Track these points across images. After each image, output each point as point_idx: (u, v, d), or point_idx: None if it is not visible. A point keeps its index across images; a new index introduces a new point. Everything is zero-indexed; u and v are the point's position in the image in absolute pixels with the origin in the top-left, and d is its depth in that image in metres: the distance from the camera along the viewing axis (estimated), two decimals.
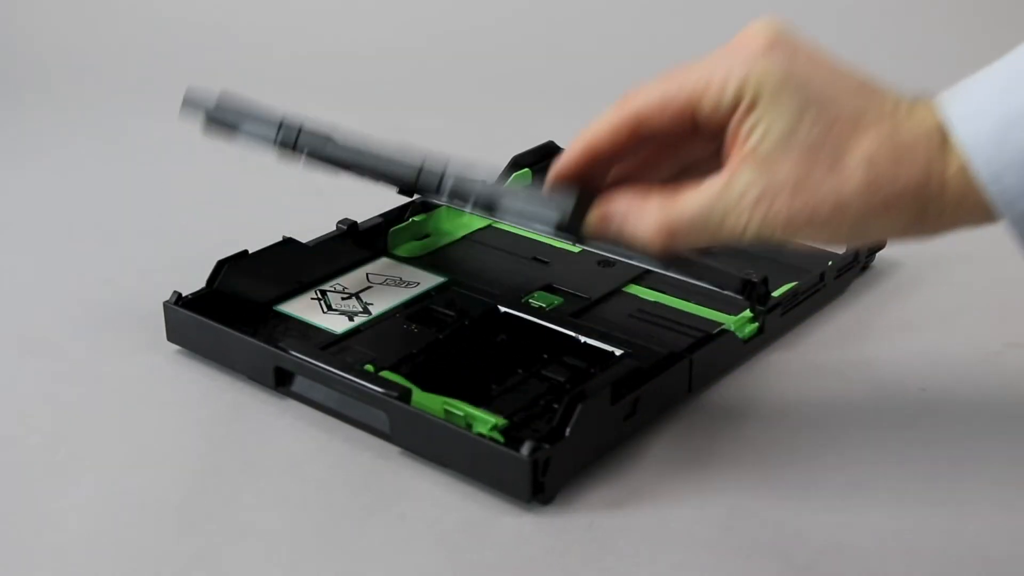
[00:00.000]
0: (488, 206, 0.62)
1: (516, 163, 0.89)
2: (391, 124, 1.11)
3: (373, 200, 0.88)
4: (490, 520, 0.60)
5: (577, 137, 0.59)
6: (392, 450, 0.64)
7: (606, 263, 0.81)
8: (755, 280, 0.70)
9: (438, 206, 0.86)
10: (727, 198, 0.54)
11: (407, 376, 0.67)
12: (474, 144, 0.99)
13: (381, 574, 0.56)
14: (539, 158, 0.90)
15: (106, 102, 1.18)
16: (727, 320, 0.73)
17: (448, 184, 0.63)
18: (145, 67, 1.25)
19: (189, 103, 0.72)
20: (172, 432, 0.67)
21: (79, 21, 1.31)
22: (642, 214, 0.57)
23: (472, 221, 0.88)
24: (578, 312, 0.76)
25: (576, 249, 0.83)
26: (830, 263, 0.77)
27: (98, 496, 0.62)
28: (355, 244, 0.81)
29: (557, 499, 0.61)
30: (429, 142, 1.07)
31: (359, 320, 0.75)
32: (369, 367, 0.68)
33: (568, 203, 0.58)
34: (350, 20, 1.31)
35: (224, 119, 0.71)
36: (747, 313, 0.72)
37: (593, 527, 0.59)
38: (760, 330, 0.72)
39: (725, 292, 0.69)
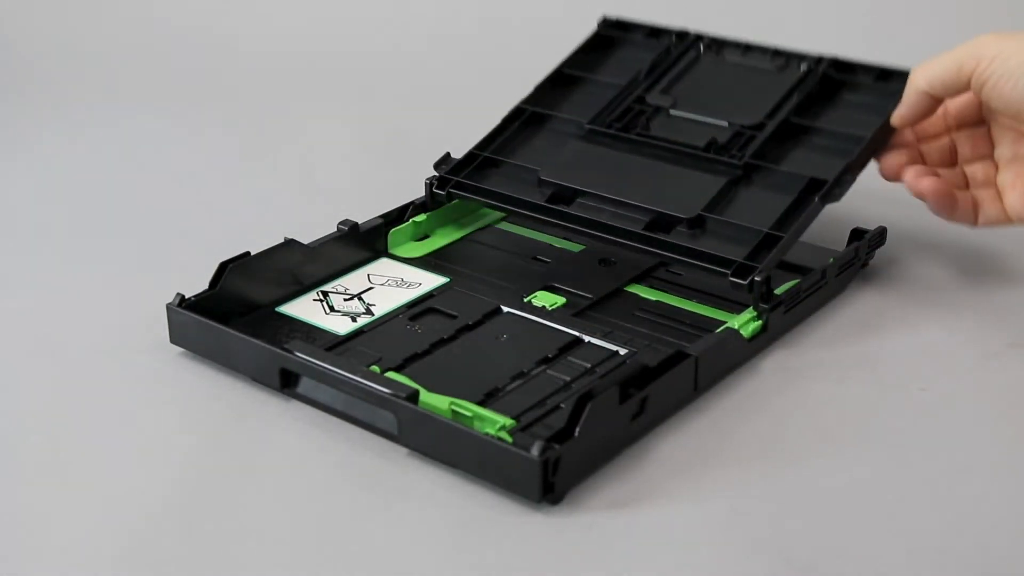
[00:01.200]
0: None
1: None
2: (391, 124, 1.12)
3: (373, 201, 0.88)
4: (496, 520, 0.60)
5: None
6: (396, 451, 0.64)
7: (606, 262, 0.82)
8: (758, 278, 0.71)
9: (438, 206, 0.86)
10: None
11: (412, 377, 0.68)
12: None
13: (386, 574, 0.57)
14: None
15: (108, 102, 1.17)
16: (729, 319, 0.73)
17: None
18: (148, 67, 1.25)
19: None
20: (175, 433, 0.67)
21: (80, 20, 1.31)
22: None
23: (471, 221, 0.88)
24: (580, 312, 0.76)
25: (576, 248, 0.84)
26: (831, 260, 0.77)
27: (98, 496, 0.62)
28: (356, 245, 0.81)
29: (564, 498, 0.61)
30: (428, 141, 1.07)
31: (362, 321, 0.75)
32: (374, 368, 0.68)
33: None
34: (349, 18, 1.31)
35: None
36: (750, 311, 0.73)
37: (596, 527, 0.59)
38: (763, 328, 0.73)
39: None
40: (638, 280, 0.80)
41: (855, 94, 0.85)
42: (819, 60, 0.86)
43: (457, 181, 0.85)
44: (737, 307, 0.75)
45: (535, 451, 0.58)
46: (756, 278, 0.72)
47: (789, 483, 0.62)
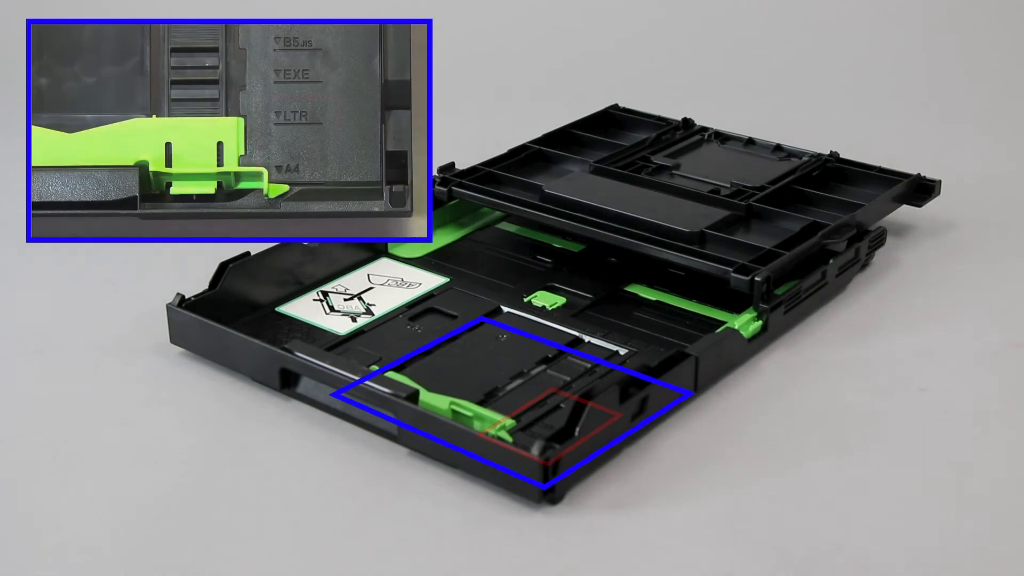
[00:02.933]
0: None
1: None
2: None
3: None
4: (496, 520, 0.60)
5: None
6: (396, 450, 0.64)
7: (606, 262, 0.82)
8: (759, 279, 0.72)
9: (438, 205, 0.86)
10: None
11: (412, 377, 0.68)
12: (473, 140, 1.00)
13: (386, 574, 0.57)
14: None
15: None
16: (730, 319, 0.73)
17: None
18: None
19: None
20: (175, 433, 0.67)
21: (81, 16, 1.30)
22: None
23: (471, 221, 0.88)
24: (580, 311, 0.76)
25: (576, 248, 0.84)
26: (831, 261, 0.77)
27: (98, 496, 0.62)
28: (356, 245, 0.81)
29: (564, 498, 0.61)
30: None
31: (362, 321, 0.75)
32: (374, 368, 0.68)
33: None
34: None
35: None
36: (750, 311, 0.73)
37: (596, 527, 0.59)
38: (763, 328, 0.73)
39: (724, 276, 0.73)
40: (638, 280, 0.80)
41: (857, 184, 0.89)
42: (820, 155, 0.91)
43: (458, 180, 0.85)
44: (737, 307, 0.75)
45: (535, 451, 0.59)
46: (757, 278, 0.72)
47: (789, 483, 0.62)
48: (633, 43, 1.25)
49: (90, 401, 0.69)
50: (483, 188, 0.84)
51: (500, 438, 0.61)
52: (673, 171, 0.90)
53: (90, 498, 0.62)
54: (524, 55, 1.24)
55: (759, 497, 0.61)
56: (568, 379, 0.69)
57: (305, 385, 0.68)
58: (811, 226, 0.79)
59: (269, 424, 0.67)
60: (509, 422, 0.63)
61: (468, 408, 0.64)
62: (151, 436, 0.66)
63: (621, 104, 1.01)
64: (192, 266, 0.79)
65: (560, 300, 0.77)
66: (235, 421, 0.68)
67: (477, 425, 0.63)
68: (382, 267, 0.81)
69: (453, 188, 0.85)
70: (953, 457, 0.65)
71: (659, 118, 0.99)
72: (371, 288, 0.79)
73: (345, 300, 0.77)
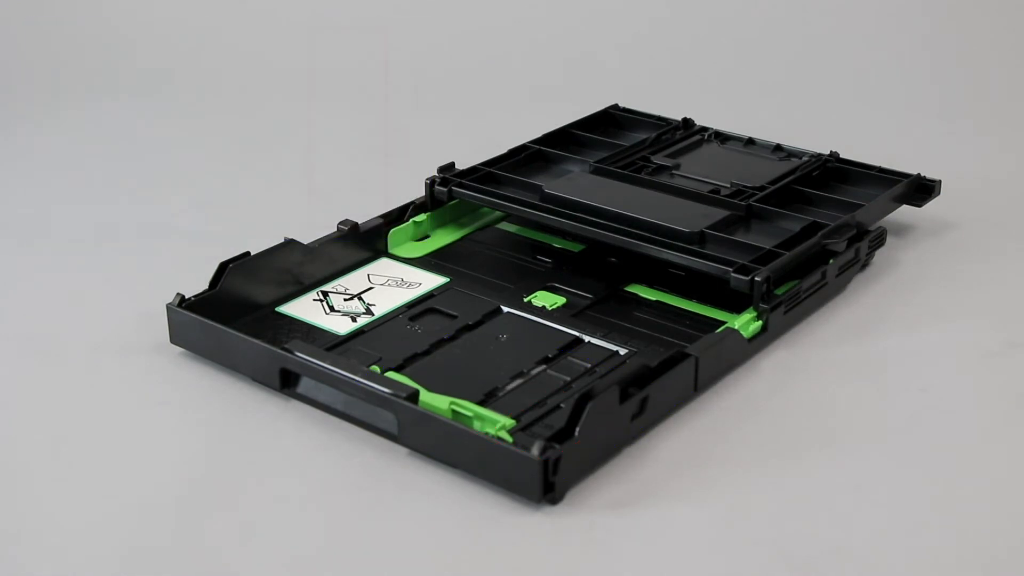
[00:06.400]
0: None
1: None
2: (391, 124, 1.12)
3: (373, 201, 0.88)
4: (496, 520, 0.60)
5: None
6: (396, 450, 0.64)
7: (606, 262, 0.82)
8: (759, 279, 0.72)
9: (439, 205, 0.86)
10: None
11: (412, 377, 0.68)
12: (473, 140, 1.00)
13: (386, 574, 0.57)
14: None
15: (108, 100, 1.17)
16: (730, 319, 0.73)
17: None
18: (148, 65, 1.25)
19: None
20: (175, 433, 0.67)
21: (81, 15, 1.31)
22: None
23: (471, 221, 0.88)
24: (580, 312, 0.76)
25: (576, 248, 0.84)
26: (831, 261, 0.77)
27: (98, 496, 0.62)
28: (356, 245, 0.81)
29: (564, 498, 0.61)
30: (428, 142, 1.07)
31: (362, 321, 0.75)
32: (374, 368, 0.68)
33: None
34: (350, 17, 1.31)
35: None
36: (750, 311, 0.73)
37: (596, 527, 0.59)
38: (763, 328, 0.73)
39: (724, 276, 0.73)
40: (638, 280, 0.80)
41: (857, 184, 0.89)
42: (820, 155, 0.91)
43: (458, 180, 0.85)
44: (737, 307, 0.75)
45: (535, 451, 0.59)
46: (757, 278, 0.72)
47: (789, 483, 0.62)
48: (633, 43, 1.25)
49: (90, 401, 0.69)
50: (483, 188, 0.85)
51: (500, 438, 0.61)
52: (673, 171, 0.90)
53: (90, 498, 0.62)
54: (524, 55, 1.24)
55: (759, 497, 0.61)
56: (568, 379, 0.69)
57: (305, 385, 0.68)
58: (811, 226, 0.79)
59: (269, 424, 0.67)
60: (509, 422, 0.63)
61: (468, 408, 0.64)
62: (151, 436, 0.66)
63: (621, 104, 1.01)
64: (192, 266, 0.79)
65: (560, 300, 0.77)
66: (235, 421, 0.68)
67: (477, 425, 0.63)
68: (382, 267, 0.81)
69: (453, 188, 0.85)
70: (953, 457, 0.65)
71: (659, 118, 0.99)
72: (371, 288, 0.79)
73: (345, 300, 0.77)
